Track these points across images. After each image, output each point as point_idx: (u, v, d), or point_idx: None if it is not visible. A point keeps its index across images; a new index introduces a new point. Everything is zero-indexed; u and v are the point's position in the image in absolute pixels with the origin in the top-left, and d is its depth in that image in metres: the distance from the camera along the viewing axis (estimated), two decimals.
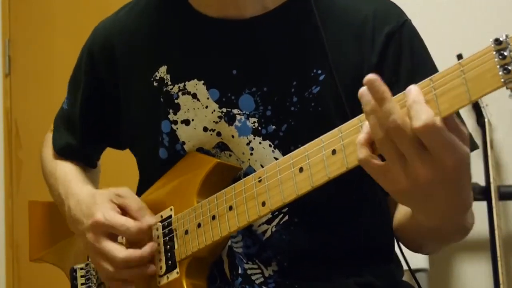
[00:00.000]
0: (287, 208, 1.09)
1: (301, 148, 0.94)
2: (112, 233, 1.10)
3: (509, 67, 0.74)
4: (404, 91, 0.80)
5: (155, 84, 1.15)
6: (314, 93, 1.07)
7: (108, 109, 1.24)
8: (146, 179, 1.21)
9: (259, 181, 1.00)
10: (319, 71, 1.08)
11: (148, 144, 1.17)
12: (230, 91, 1.10)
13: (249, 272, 1.10)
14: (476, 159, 2.07)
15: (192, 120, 1.12)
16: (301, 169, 0.94)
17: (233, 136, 1.10)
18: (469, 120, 2.15)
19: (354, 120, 0.87)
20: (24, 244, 2.70)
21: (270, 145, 1.09)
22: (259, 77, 1.09)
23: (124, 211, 1.11)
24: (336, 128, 0.90)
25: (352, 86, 1.03)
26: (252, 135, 1.09)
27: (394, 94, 0.81)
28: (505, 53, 0.75)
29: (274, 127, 1.08)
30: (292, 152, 0.95)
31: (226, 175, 1.09)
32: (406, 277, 1.21)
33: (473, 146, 1.10)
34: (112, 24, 1.24)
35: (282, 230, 1.09)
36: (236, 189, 1.03)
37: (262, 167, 1.05)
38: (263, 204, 0.98)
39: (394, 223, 1.12)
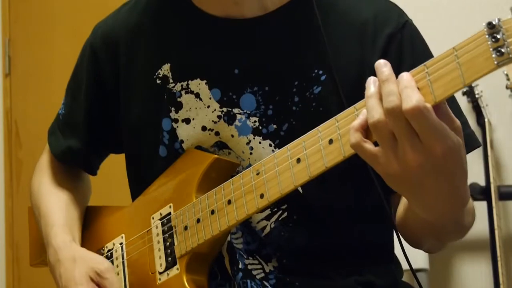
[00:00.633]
0: (286, 205, 1.09)
1: (298, 139, 0.95)
2: None
3: (502, 50, 0.76)
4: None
5: (158, 81, 1.15)
6: (316, 93, 1.08)
7: (110, 108, 1.23)
8: (143, 178, 1.20)
9: (257, 174, 1.00)
10: (320, 71, 1.08)
11: (148, 142, 1.17)
12: (232, 90, 1.10)
13: (249, 267, 1.10)
14: (476, 159, 2.07)
15: (193, 119, 1.12)
16: (298, 160, 0.94)
17: (232, 136, 1.10)
18: (469, 120, 2.14)
19: (350, 109, 0.89)
20: (24, 244, 2.69)
21: (270, 145, 1.09)
22: (260, 77, 1.09)
23: None
24: (333, 118, 0.91)
25: (353, 87, 1.05)
26: (252, 135, 1.09)
27: None
28: (498, 36, 0.76)
29: (275, 126, 1.08)
30: (289, 144, 0.96)
31: (224, 171, 1.09)
32: (406, 277, 1.21)
33: (475, 143, 1.11)
34: (114, 21, 1.23)
35: (281, 226, 1.10)
36: (235, 183, 1.03)
37: None
38: (262, 196, 0.99)
39: (396, 217, 1.12)
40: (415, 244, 1.12)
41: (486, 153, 2.04)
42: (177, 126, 1.13)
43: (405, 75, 0.81)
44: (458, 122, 0.84)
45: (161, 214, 1.13)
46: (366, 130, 0.84)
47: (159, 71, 1.15)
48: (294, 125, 1.08)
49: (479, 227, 2.12)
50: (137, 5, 1.22)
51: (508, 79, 2.08)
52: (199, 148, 1.13)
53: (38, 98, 2.72)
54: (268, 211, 1.10)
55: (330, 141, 0.91)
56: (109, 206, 1.29)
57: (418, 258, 1.65)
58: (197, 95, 1.12)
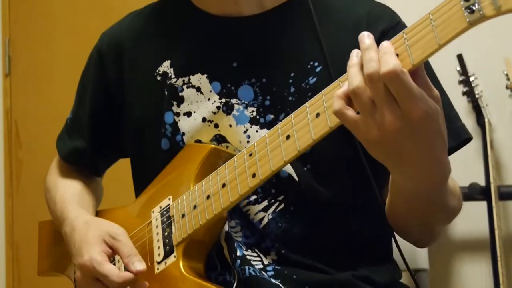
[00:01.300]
0: (283, 196, 1.12)
1: (288, 117, 0.97)
2: None
3: (473, 7, 0.79)
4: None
5: (158, 78, 1.20)
6: (311, 83, 1.12)
7: (114, 112, 1.27)
8: (146, 173, 1.22)
9: (250, 155, 1.02)
10: (316, 63, 1.13)
11: (151, 136, 1.20)
12: (230, 82, 1.14)
13: (248, 257, 1.11)
14: (476, 159, 2.07)
15: (194, 112, 1.16)
16: (288, 137, 0.97)
17: (230, 126, 1.14)
18: (469, 120, 2.15)
19: (335, 82, 0.93)
20: (24, 244, 2.70)
21: None
22: (258, 69, 1.14)
23: (114, 252, 1.12)
24: (319, 93, 0.94)
25: None
26: (249, 124, 1.13)
27: None
28: None
29: (272, 116, 1.12)
30: (280, 122, 0.98)
31: (222, 161, 1.10)
32: (406, 278, 1.21)
33: (466, 135, 1.13)
34: (121, 27, 1.30)
35: (278, 218, 1.12)
36: (229, 167, 1.05)
37: None
38: (253, 175, 1.01)
39: (385, 207, 1.12)
40: (404, 233, 1.13)
41: (486, 153, 2.04)
42: (179, 120, 1.17)
43: (385, 43, 0.85)
44: (436, 92, 0.88)
45: (160, 207, 1.15)
46: (349, 98, 0.88)
47: (160, 68, 1.20)
48: (290, 114, 1.09)
49: (479, 227, 2.12)
50: (143, 11, 1.29)
51: (508, 79, 2.08)
52: (198, 142, 1.16)
53: (38, 98, 2.72)
54: (265, 203, 1.12)
55: (317, 115, 0.93)
56: (112, 208, 1.31)
57: (418, 258, 1.65)
58: (198, 89, 1.16)
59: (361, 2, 1.19)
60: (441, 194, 1.01)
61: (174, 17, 1.23)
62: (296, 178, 1.11)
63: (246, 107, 1.14)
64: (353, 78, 0.86)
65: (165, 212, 1.14)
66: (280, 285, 1.08)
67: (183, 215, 1.10)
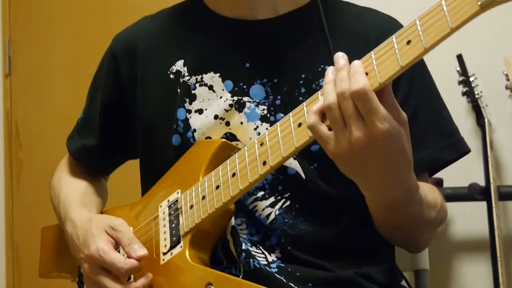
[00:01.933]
0: (289, 193, 1.14)
1: (300, 105, 1.00)
2: None
3: None
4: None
5: (171, 76, 1.22)
6: (321, 85, 1.13)
7: (126, 111, 1.29)
8: (155, 169, 1.23)
9: (261, 144, 1.03)
10: (326, 67, 1.14)
11: (163, 131, 1.22)
12: (243, 81, 1.17)
13: (253, 253, 1.12)
14: (476, 159, 2.07)
15: (206, 109, 1.18)
16: (299, 124, 0.99)
17: (241, 123, 1.16)
18: (469, 120, 2.15)
19: (315, 95, 0.98)
20: (24, 244, 2.70)
21: None
22: (270, 70, 1.18)
23: (117, 244, 1.14)
24: (316, 93, 0.98)
25: None
26: (259, 121, 1.16)
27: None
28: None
29: (282, 115, 1.15)
30: (292, 111, 1.01)
31: (232, 155, 1.10)
32: (406, 277, 1.21)
33: (464, 148, 1.20)
34: (135, 28, 1.33)
35: (285, 213, 1.14)
36: (240, 157, 1.06)
37: None
38: (264, 163, 1.02)
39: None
40: (390, 240, 1.16)
41: (486, 153, 2.04)
42: (190, 117, 1.19)
43: (356, 62, 0.92)
44: (404, 114, 0.94)
45: (168, 201, 1.16)
46: (323, 114, 0.94)
47: (173, 67, 1.23)
48: (302, 103, 1.11)
49: (479, 227, 2.12)
50: (157, 15, 1.32)
51: (508, 79, 2.08)
52: (209, 139, 1.17)
53: (38, 99, 2.72)
54: (272, 199, 1.14)
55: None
56: (118, 206, 1.31)
57: (418, 258, 1.65)
58: (211, 87, 1.19)
59: (371, 15, 1.24)
60: (414, 208, 1.05)
61: (189, 20, 1.27)
62: (303, 175, 1.14)
63: (257, 105, 1.16)
64: (328, 94, 0.93)
65: (172, 205, 1.15)
66: (284, 280, 1.09)
67: (191, 206, 1.11)
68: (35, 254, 1.45)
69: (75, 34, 2.68)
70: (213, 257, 1.13)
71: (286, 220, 1.13)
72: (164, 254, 1.13)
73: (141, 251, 1.10)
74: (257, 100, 1.16)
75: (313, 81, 1.16)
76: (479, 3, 0.80)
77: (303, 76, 1.16)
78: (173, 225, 1.13)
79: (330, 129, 0.94)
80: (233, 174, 1.06)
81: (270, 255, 1.13)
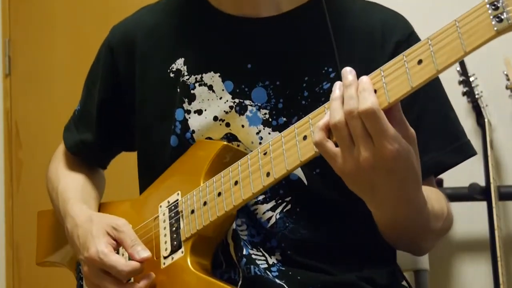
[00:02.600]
0: (290, 197, 1.13)
1: (305, 117, 0.98)
2: None
3: (502, 16, 0.78)
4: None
5: (171, 75, 1.20)
6: (325, 88, 1.13)
7: (124, 104, 1.27)
8: (152, 169, 1.22)
9: (264, 154, 1.02)
10: (330, 69, 1.14)
11: (161, 132, 1.20)
12: (244, 83, 1.15)
13: (253, 256, 1.11)
14: (476, 159, 2.06)
15: (205, 110, 1.17)
16: (305, 137, 0.97)
17: (243, 126, 1.15)
18: (469, 120, 2.15)
19: (321, 108, 0.96)
20: (24, 244, 2.70)
21: None
22: (272, 72, 1.15)
23: (118, 244, 1.12)
24: (322, 106, 0.97)
25: None
26: (261, 125, 1.14)
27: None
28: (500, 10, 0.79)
29: (285, 119, 1.13)
30: (296, 123, 0.99)
31: (233, 159, 1.10)
32: (407, 278, 1.21)
33: (471, 152, 1.19)
34: (132, 20, 1.29)
35: (286, 217, 1.13)
36: (242, 165, 1.05)
37: None
38: (268, 174, 1.01)
39: None
40: (394, 246, 1.15)
41: (486, 153, 2.04)
42: (189, 117, 1.17)
43: (364, 78, 0.90)
44: (412, 131, 0.92)
45: (169, 202, 1.15)
46: (330, 130, 0.92)
47: (173, 65, 1.20)
48: (308, 115, 1.10)
49: (479, 227, 2.12)
50: (156, 6, 1.29)
51: (508, 79, 2.08)
52: (209, 139, 1.16)
53: (38, 99, 2.72)
54: (273, 203, 1.13)
55: None
56: (116, 200, 1.31)
57: (418, 258, 1.65)
58: (210, 87, 1.17)
59: (376, 10, 1.21)
60: (421, 222, 1.04)
61: (189, 15, 1.23)
62: (305, 180, 1.12)
63: (259, 109, 1.14)
64: (335, 112, 0.90)
65: (173, 207, 1.14)
66: (285, 285, 1.08)
67: (192, 211, 1.10)
68: (35, 253, 1.45)
69: (75, 34, 2.68)
70: (212, 259, 1.12)
71: (287, 224, 1.13)
72: (165, 258, 1.12)
73: (145, 253, 1.09)
74: (259, 104, 1.14)
75: (316, 85, 1.14)
76: (495, 28, 0.78)
77: (306, 79, 1.14)
78: (174, 228, 1.12)
79: (336, 145, 0.92)
80: (236, 182, 1.05)
81: (271, 257, 1.12)
